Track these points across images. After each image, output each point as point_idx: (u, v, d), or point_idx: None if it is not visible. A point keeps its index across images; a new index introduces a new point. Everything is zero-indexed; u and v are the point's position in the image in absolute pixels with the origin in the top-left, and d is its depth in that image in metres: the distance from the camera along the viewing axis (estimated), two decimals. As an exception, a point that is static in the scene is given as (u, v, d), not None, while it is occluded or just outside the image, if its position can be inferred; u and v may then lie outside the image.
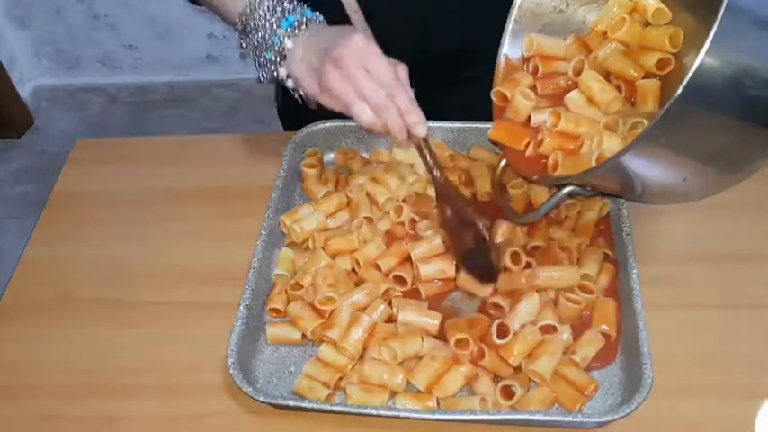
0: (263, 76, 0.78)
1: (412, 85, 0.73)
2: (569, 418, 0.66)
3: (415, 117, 0.71)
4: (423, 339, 0.72)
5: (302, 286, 0.78)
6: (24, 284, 0.87)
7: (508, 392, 0.69)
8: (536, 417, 0.66)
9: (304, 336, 0.76)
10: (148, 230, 0.91)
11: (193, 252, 0.88)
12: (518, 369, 0.71)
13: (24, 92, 2.40)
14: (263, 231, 0.82)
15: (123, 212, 0.94)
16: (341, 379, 0.72)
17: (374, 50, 0.71)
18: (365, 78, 0.70)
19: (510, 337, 0.71)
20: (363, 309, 0.76)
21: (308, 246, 0.83)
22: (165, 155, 1.02)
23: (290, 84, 0.77)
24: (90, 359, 0.79)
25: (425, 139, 0.74)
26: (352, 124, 0.94)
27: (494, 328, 0.71)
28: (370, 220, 0.83)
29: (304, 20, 0.75)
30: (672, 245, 0.83)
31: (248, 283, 0.77)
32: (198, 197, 0.95)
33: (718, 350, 0.74)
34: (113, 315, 0.83)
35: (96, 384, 0.77)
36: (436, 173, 0.75)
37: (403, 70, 0.73)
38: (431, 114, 0.95)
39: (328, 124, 0.94)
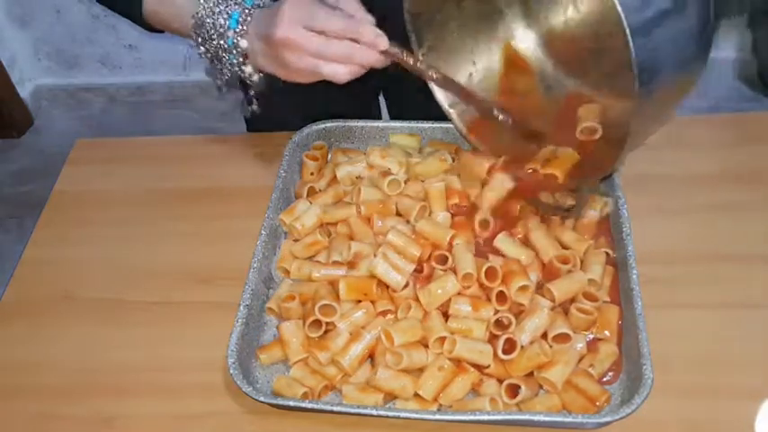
0: (226, 77, 0.75)
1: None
2: (569, 419, 0.66)
3: (383, 41, 0.69)
4: (427, 352, 0.71)
5: (294, 298, 0.77)
6: (24, 284, 0.87)
7: (513, 392, 0.69)
8: (537, 417, 0.65)
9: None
10: (148, 230, 0.91)
11: (193, 252, 0.88)
12: (529, 375, 0.70)
13: (24, 92, 2.40)
14: (263, 231, 0.82)
15: (123, 212, 0.94)
16: (327, 387, 0.72)
17: (308, 9, 0.68)
18: (317, 42, 0.68)
19: (516, 353, 0.70)
20: (362, 328, 0.74)
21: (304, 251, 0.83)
22: (165, 155, 1.02)
23: (255, 78, 0.75)
24: (90, 359, 0.79)
25: (391, 50, 0.71)
26: (353, 124, 0.94)
27: (500, 342, 0.70)
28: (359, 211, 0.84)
29: (246, 11, 0.72)
30: (672, 245, 0.83)
31: (248, 283, 0.77)
32: (198, 197, 0.95)
33: (718, 350, 0.74)
34: (113, 315, 0.83)
35: (96, 384, 0.77)
36: (431, 73, 0.75)
37: (349, 2, 0.70)
38: (431, 115, 0.95)
39: (329, 124, 0.94)
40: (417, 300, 0.74)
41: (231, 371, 0.70)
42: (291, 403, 0.69)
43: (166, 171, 0.99)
